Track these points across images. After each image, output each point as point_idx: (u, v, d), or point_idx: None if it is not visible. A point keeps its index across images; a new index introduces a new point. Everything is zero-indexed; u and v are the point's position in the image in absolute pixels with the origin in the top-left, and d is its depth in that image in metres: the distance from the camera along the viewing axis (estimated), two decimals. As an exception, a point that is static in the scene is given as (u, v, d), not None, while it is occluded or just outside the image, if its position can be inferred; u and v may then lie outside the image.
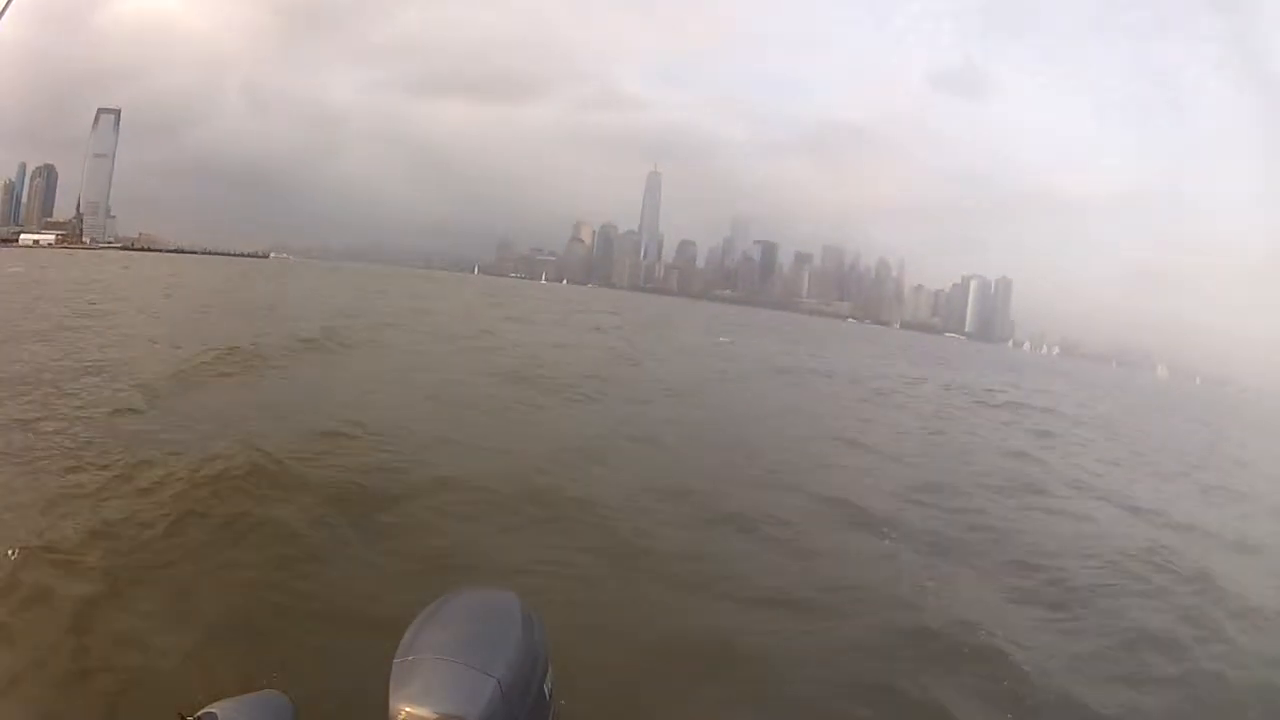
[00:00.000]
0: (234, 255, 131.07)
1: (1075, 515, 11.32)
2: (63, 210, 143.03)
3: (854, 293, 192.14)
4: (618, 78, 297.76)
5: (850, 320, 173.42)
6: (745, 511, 9.00)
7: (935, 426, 19.45)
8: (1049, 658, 6.11)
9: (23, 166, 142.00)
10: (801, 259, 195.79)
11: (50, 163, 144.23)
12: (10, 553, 6.57)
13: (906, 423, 19.42)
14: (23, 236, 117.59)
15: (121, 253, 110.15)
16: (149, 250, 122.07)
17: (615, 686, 4.80)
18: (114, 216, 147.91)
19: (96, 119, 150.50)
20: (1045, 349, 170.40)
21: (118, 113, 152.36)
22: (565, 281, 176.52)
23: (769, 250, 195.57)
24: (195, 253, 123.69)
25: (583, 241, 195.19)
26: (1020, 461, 15.27)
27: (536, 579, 6.30)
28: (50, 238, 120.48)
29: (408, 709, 1.98)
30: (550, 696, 2.27)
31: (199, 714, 2.03)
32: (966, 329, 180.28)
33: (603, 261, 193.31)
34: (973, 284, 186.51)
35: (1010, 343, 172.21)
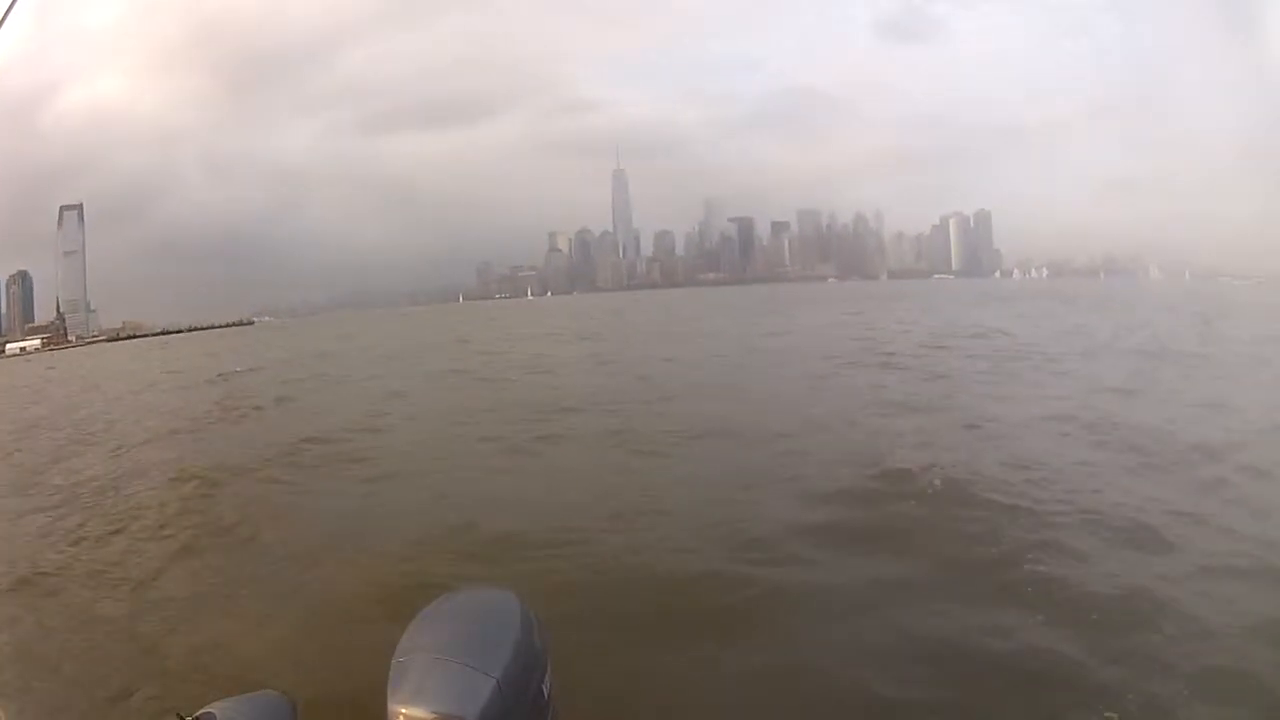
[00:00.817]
0: (220, 327, 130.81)
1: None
2: (44, 312, 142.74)
3: (836, 252, 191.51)
4: (569, 84, 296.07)
5: (831, 280, 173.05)
6: (743, 512, 8.83)
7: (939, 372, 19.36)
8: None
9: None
10: (778, 228, 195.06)
11: (23, 269, 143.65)
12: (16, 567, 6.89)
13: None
14: (8, 346, 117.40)
15: (108, 344, 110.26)
16: (135, 337, 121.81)
17: (615, 687, 4.88)
18: (94, 310, 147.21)
19: (60, 217, 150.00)
20: (1033, 273, 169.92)
21: (79, 207, 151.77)
22: (549, 294, 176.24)
23: (745, 226, 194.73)
24: (181, 331, 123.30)
25: (560, 251, 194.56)
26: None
27: (536, 579, 6.38)
28: (36, 342, 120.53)
29: (406, 709, 1.97)
30: (549, 696, 2.28)
31: (198, 714, 2.04)
32: (954, 268, 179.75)
33: (584, 267, 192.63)
34: (952, 222, 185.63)
35: (997, 273, 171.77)
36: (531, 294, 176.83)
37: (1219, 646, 5.35)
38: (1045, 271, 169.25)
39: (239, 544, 7.49)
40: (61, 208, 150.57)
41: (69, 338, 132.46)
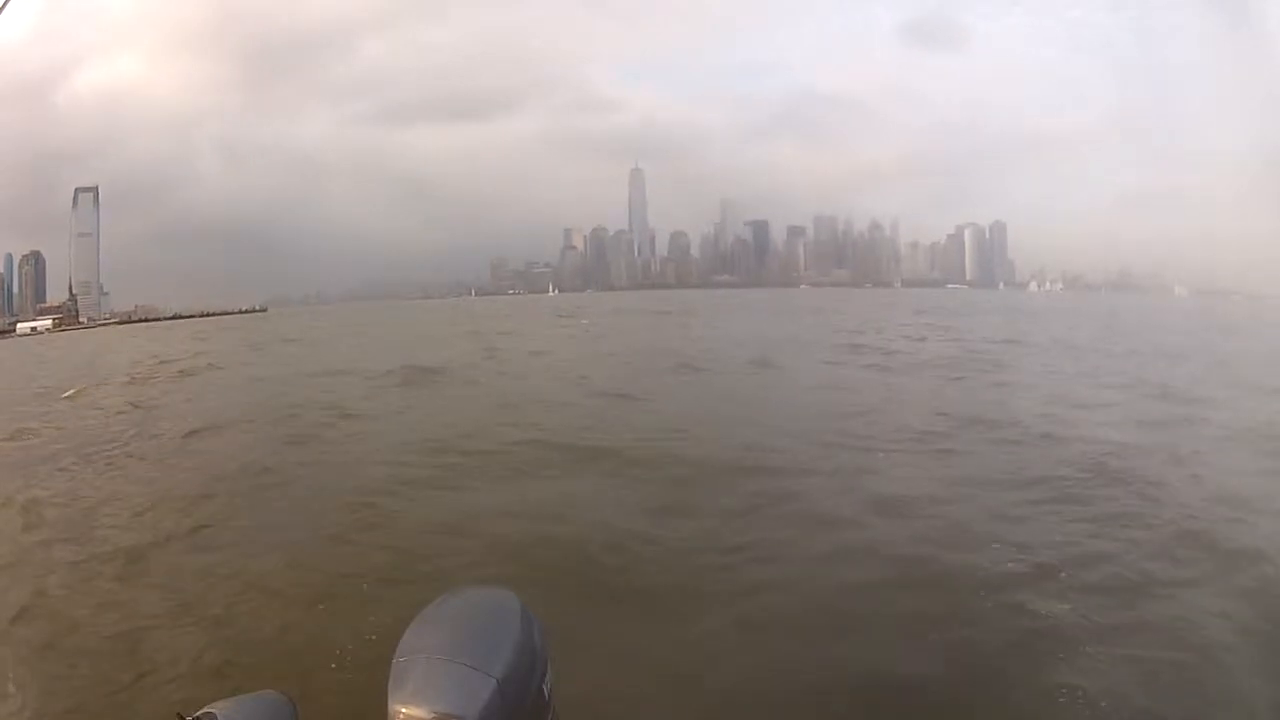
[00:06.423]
0: (232, 313, 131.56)
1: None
2: (56, 293, 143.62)
3: (851, 259, 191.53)
4: (589, 82, 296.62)
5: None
6: (742, 512, 8.74)
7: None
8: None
9: (9, 257, 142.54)
10: (794, 233, 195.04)
11: (36, 249, 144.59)
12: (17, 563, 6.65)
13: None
14: (19, 325, 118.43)
15: (120, 327, 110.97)
16: (146, 320, 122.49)
17: (615, 687, 4.79)
18: (107, 293, 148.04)
19: (75, 198, 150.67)
20: (1048, 285, 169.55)
21: (95, 190, 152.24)
22: (557, 291, 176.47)
23: (761, 229, 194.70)
24: (193, 316, 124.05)
25: (575, 248, 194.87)
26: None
27: (536, 579, 6.28)
28: (47, 323, 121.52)
29: (406, 709, 1.98)
30: (549, 696, 2.26)
31: (198, 714, 2.04)
32: (968, 277, 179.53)
33: (598, 265, 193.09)
34: (967, 232, 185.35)
35: (1001, 285, 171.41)
36: (553, 290, 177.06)
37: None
38: (1060, 285, 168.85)
39: (236, 543, 7.28)
40: (77, 190, 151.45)
41: (80, 319, 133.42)
